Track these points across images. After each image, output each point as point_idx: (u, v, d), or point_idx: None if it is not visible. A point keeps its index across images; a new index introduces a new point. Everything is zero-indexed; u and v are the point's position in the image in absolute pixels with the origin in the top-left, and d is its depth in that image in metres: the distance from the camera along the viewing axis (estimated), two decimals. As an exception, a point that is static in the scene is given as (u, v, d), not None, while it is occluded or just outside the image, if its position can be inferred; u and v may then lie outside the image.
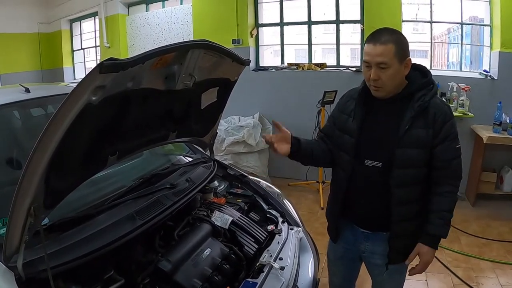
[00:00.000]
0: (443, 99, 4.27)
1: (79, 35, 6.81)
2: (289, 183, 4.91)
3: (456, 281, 2.90)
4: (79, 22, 6.73)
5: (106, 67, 1.09)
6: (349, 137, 1.70)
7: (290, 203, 2.38)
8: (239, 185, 2.41)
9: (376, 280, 1.87)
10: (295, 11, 5.32)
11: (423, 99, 1.58)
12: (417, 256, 1.68)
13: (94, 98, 1.16)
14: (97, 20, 6.22)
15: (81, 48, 6.84)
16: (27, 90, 2.11)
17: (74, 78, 6.79)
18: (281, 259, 1.76)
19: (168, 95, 1.59)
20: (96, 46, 6.51)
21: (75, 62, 6.89)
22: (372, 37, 1.55)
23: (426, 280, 2.87)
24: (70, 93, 1.09)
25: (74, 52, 6.88)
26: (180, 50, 1.44)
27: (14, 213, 1.18)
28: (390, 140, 1.60)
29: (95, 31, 6.46)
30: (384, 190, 1.63)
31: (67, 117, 1.12)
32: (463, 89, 4.22)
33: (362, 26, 4.75)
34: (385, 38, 1.52)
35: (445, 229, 1.64)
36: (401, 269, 1.79)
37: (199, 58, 1.56)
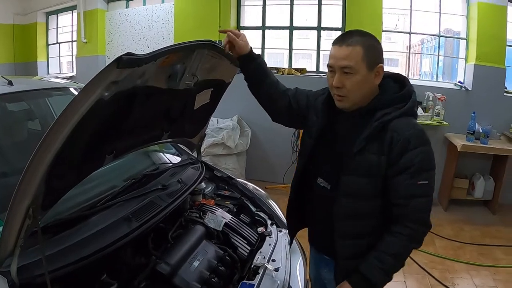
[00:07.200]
0: (421, 108, 4.42)
1: (55, 29, 6.60)
2: (266, 186, 4.91)
3: (433, 282, 3.01)
4: (56, 15, 6.50)
5: (124, 62, 1.06)
6: (308, 139, 1.54)
7: (276, 205, 2.39)
8: (226, 187, 2.41)
9: None
10: (276, 16, 5.36)
11: (383, 118, 1.33)
12: None
13: (106, 94, 1.13)
14: (75, 14, 6.05)
15: (57, 42, 6.62)
16: (10, 83, 2.04)
17: (48, 73, 6.56)
18: (273, 260, 1.77)
19: (169, 94, 1.57)
20: (72, 41, 6.33)
21: (49, 56, 6.66)
22: (339, 38, 1.37)
23: (404, 281, 2.96)
24: (84, 87, 1.07)
25: (49, 46, 6.66)
26: (187, 50, 1.43)
27: (11, 215, 1.12)
28: (340, 162, 1.39)
29: (72, 25, 6.27)
30: (330, 217, 1.43)
31: (77, 113, 1.09)
32: (439, 98, 4.39)
33: (343, 33, 4.83)
34: (353, 39, 1.33)
35: (378, 275, 1.35)
36: None
37: (202, 59, 1.56)
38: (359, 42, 1.33)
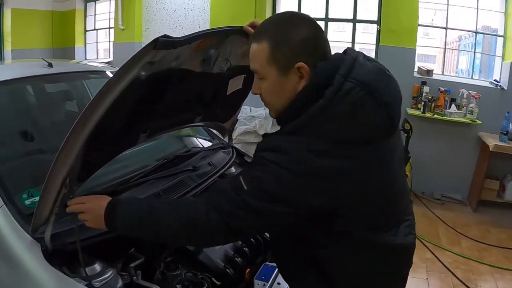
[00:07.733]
0: (454, 105, 4.33)
1: (93, 16, 6.80)
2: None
3: (455, 281, 2.97)
4: (94, 2, 6.71)
5: (161, 43, 1.11)
6: None
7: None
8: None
9: None
10: (312, 7, 5.33)
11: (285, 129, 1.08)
12: None
13: (143, 73, 1.18)
14: (112, 1, 6.20)
15: (94, 29, 6.83)
16: (50, 65, 2.14)
17: (85, 58, 6.77)
18: (296, 245, 1.80)
19: (202, 78, 1.62)
20: (109, 28, 6.50)
21: (87, 42, 6.87)
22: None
23: (427, 278, 2.93)
24: (122, 65, 1.11)
25: (87, 32, 6.86)
26: (221, 35, 1.47)
27: (48, 184, 1.18)
28: None
29: (109, 12, 6.44)
30: None
31: (115, 90, 1.14)
32: (473, 96, 4.28)
33: (378, 26, 4.77)
34: (262, 32, 1.06)
35: (125, 217, 1.17)
36: None
37: (235, 44, 1.59)
38: (267, 35, 1.04)
